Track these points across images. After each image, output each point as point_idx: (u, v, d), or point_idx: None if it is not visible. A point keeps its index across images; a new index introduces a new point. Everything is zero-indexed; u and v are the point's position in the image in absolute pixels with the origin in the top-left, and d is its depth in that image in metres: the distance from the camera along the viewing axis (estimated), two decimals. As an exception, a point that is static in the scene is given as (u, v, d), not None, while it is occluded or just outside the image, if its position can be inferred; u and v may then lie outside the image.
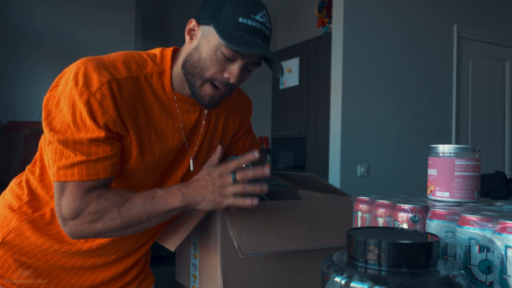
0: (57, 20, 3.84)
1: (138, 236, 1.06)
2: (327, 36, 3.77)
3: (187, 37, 0.96)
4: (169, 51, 0.99)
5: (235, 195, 0.89)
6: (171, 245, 1.01)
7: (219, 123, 1.10)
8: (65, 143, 0.85)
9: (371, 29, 3.33)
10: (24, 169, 1.07)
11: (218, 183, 0.89)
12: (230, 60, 0.91)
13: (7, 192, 1.06)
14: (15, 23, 3.71)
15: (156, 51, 0.99)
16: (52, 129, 0.87)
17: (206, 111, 1.05)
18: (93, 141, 0.85)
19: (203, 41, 0.92)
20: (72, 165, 0.85)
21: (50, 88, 0.90)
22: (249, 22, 0.89)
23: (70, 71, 0.88)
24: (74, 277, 1.02)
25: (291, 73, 4.32)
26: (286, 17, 4.93)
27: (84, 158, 0.85)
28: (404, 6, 3.47)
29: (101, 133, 0.85)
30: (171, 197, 0.89)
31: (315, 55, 4.01)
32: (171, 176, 1.04)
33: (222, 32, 0.88)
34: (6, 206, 1.02)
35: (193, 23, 0.95)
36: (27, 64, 3.69)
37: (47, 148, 0.89)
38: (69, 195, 0.86)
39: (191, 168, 1.03)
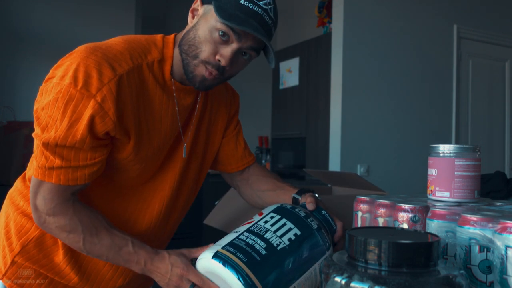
0: (57, 20, 3.84)
1: None
2: (327, 36, 3.77)
3: (189, 16, 0.94)
4: (170, 38, 0.96)
5: None
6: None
7: (212, 111, 1.09)
8: (45, 144, 0.82)
9: (371, 29, 3.33)
10: (25, 169, 1.05)
11: (174, 284, 0.86)
12: (224, 42, 0.88)
13: (16, 195, 1.02)
14: (15, 23, 3.71)
15: (158, 37, 0.96)
16: (37, 119, 0.84)
17: (199, 98, 1.03)
18: (75, 148, 0.83)
19: (202, 20, 0.90)
20: (51, 168, 0.83)
21: (46, 79, 0.86)
22: (250, 5, 0.87)
23: (69, 65, 0.83)
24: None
25: (291, 73, 4.32)
26: (286, 17, 4.92)
27: (63, 163, 0.83)
28: (404, 6, 3.47)
29: (86, 141, 0.83)
30: (134, 262, 0.89)
31: (315, 55, 4.01)
32: (170, 166, 1.01)
33: (219, 9, 0.85)
34: (20, 213, 0.98)
35: (197, 2, 0.93)
36: (26, 64, 3.69)
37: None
38: (46, 192, 0.85)
39: (184, 155, 1.01)
